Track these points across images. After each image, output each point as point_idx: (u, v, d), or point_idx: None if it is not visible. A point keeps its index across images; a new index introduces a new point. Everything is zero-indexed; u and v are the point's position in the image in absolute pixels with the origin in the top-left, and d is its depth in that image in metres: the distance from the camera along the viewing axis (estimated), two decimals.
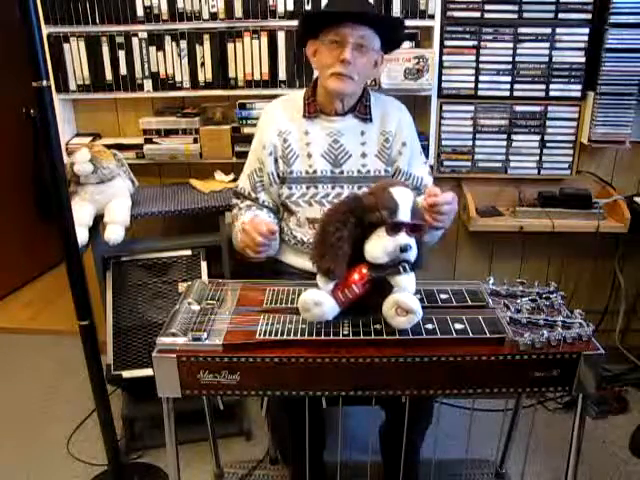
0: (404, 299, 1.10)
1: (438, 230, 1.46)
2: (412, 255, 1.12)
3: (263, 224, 1.41)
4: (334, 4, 1.59)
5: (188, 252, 2.02)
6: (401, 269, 1.11)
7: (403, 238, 1.10)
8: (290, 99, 1.68)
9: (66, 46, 2.12)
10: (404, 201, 1.13)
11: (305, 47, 1.61)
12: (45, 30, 2.08)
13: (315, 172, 1.60)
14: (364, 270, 1.12)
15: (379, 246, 1.11)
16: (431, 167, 2.04)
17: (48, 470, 1.95)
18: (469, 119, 2.19)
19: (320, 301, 1.12)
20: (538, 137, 2.19)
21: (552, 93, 2.14)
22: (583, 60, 2.09)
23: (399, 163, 1.63)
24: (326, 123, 1.61)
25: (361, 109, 1.61)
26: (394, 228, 1.10)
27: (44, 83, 1.37)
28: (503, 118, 2.18)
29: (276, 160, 1.62)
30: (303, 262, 1.60)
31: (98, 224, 1.94)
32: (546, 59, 2.10)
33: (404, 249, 1.09)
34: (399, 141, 1.62)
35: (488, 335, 1.11)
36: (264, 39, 2.08)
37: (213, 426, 1.64)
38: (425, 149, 2.14)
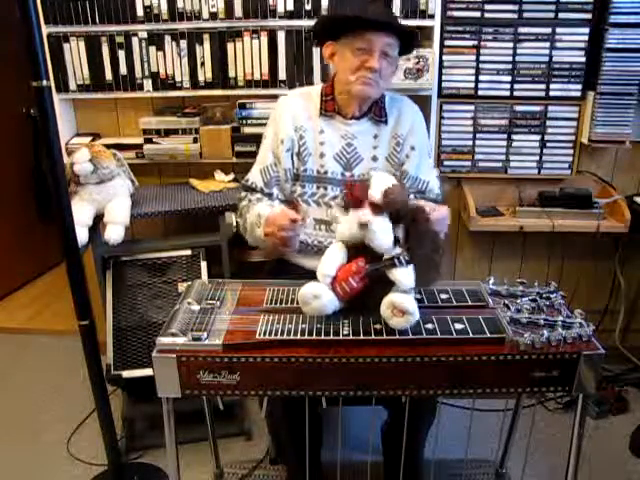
0: (399, 300, 1.10)
1: None
2: (377, 236, 1.12)
3: (284, 217, 1.37)
4: (359, 9, 1.51)
5: (188, 252, 2.02)
6: (396, 262, 1.11)
7: (364, 214, 1.12)
8: (306, 94, 1.65)
9: (66, 46, 2.12)
10: (377, 181, 1.14)
11: (319, 45, 1.59)
12: (45, 30, 2.08)
13: (326, 173, 1.59)
14: (360, 263, 1.13)
15: (345, 222, 1.15)
16: None
17: (48, 470, 1.95)
18: (469, 119, 2.19)
19: (319, 294, 1.13)
20: (538, 137, 2.20)
21: (552, 93, 2.14)
22: (583, 60, 2.09)
23: (406, 166, 1.61)
24: (341, 125, 1.60)
25: (376, 111, 1.60)
26: (354, 202, 1.14)
27: (44, 83, 1.37)
28: (503, 118, 2.18)
29: (292, 156, 1.60)
30: (308, 262, 1.59)
31: (98, 224, 1.94)
32: (546, 59, 2.10)
33: (363, 224, 1.11)
34: (408, 145, 1.61)
35: (488, 335, 1.11)
36: (264, 39, 2.08)
37: (213, 426, 1.64)
38: None
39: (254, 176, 1.64)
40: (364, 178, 1.19)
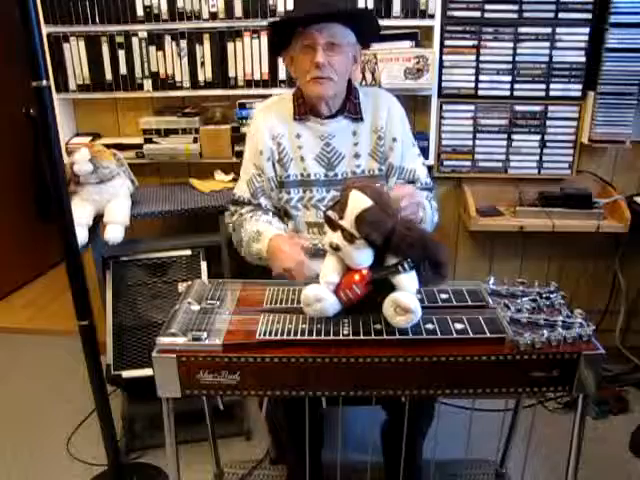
0: (402, 298, 1.10)
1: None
2: (348, 258, 1.12)
3: (299, 255, 1.39)
4: (297, 8, 1.55)
5: (188, 252, 2.02)
6: (400, 268, 1.11)
7: (335, 237, 1.12)
8: (279, 101, 1.66)
9: (66, 46, 2.13)
10: (352, 206, 1.12)
11: (281, 56, 1.60)
12: (45, 30, 2.08)
13: (309, 176, 1.59)
14: (364, 271, 1.12)
15: (326, 237, 1.16)
16: (429, 168, 1.98)
17: (48, 470, 1.95)
18: (469, 119, 2.19)
19: (321, 297, 1.13)
20: (538, 137, 2.20)
21: (552, 93, 2.14)
22: (583, 60, 2.09)
23: (391, 159, 1.61)
24: (317, 126, 1.59)
25: (351, 108, 1.59)
26: (329, 224, 1.15)
27: (44, 83, 1.37)
28: (503, 118, 2.18)
29: (274, 164, 1.60)
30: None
31: (98, 224, 1.94)
32: (546, 59, 2.10)
33: (331, 246, 1.13)
34: (390, 136, 1.60)
35: (488, 335, 1.11)
36: (264, 39, 2.08)
37: (213, 426, 1.64)
38: (425, 149, 2.14)
39: (240, 189, 1.65)
40: (342, 191, 1.18)
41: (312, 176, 1.59)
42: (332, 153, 1.59)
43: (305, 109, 1.59)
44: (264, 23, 2.07)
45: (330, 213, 1.16)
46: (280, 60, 2.08)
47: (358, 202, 1.12)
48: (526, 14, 2.06)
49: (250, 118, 2.13)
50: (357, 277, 1.12)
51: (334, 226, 1.13)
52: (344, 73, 1.54)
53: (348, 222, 1.11)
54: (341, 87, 1.56)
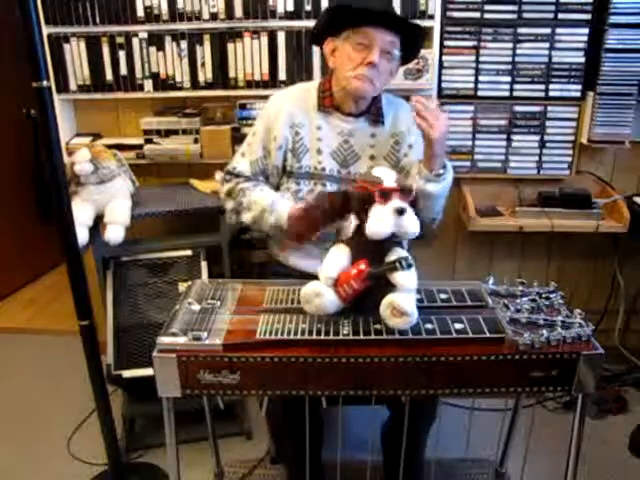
0: (398, 300, 1.10)
1: (436, 183, 1.47)
2: (410, 222, 1.12)
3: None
4: (366, 2, 1.47)
5: (188, 252, 2.02)
6: (398, 266, 1.11)
7: (396, 202, 1.12)
8: (303, 89, 1.64)
9: (66, 46, 2.13)
10: (386, 174, 1.16)
11: (320, 43, 1.57)
12: (45, 30, 2.08)
13: (324, 170, 1.59)
14: (362, 266, 1.13)
15: (376, 218, 1.12)
16: None
17: (48, 470, 1.96)
18: (469, 119, 2.19)
19: (320, 292, 1.14)
20: (538, 137, 2.20)
21: (552, 93, 2.14)
22: (583, 60, 2.09)
23: (404, 163, 1.62)
24: (339, 122, 1.59)
25: (374, 111, 1.60)
26: (384, 196, 1.12)
27: (44, 83, 1.37)
28: (503, 118, 2.18)
29: (285, 153, 1.60)
30: (306, 264, 1.58)
31: (98, 224, 1.94)
32: (546, 59, 2.10)
33: (400, 211, 1.11)
34: (406, 143, 1.62)
35: (488, 335, 1.11)
36: (264, 39, 2.09)
37: (213, 426, 1.64)
38: None
39: (242, 165, 1.64)
40: (361, 176, 1.20)
41: (327, 170, 1.59)
42: (349, 151, 1.60)
43: (331, 102, 1.58)
44: (264, 24, 2.08)
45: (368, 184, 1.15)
46: (280, 61, 2.10)
47: (386, 171, 1.16)
48: (525, 15, 2.06)
49: (251, 118, 2.14)
50: (355, 271, 1.13)
51: (386, 193, 1.12)
52: (384, 82, 1.55)
53: (392, 185, 1.13)
54: (375, 93, 1.56)
